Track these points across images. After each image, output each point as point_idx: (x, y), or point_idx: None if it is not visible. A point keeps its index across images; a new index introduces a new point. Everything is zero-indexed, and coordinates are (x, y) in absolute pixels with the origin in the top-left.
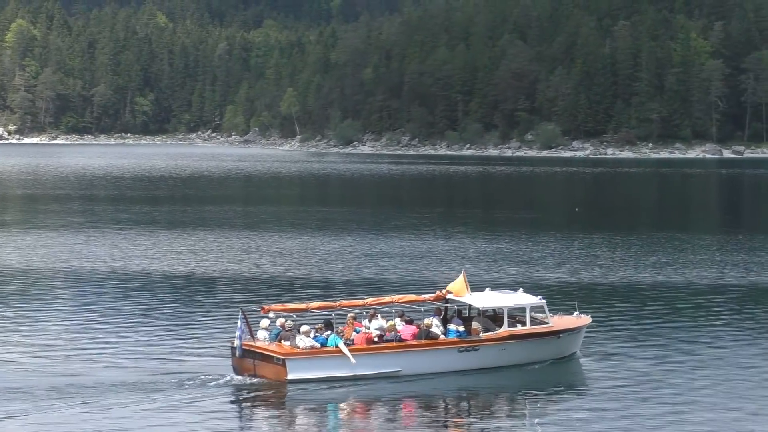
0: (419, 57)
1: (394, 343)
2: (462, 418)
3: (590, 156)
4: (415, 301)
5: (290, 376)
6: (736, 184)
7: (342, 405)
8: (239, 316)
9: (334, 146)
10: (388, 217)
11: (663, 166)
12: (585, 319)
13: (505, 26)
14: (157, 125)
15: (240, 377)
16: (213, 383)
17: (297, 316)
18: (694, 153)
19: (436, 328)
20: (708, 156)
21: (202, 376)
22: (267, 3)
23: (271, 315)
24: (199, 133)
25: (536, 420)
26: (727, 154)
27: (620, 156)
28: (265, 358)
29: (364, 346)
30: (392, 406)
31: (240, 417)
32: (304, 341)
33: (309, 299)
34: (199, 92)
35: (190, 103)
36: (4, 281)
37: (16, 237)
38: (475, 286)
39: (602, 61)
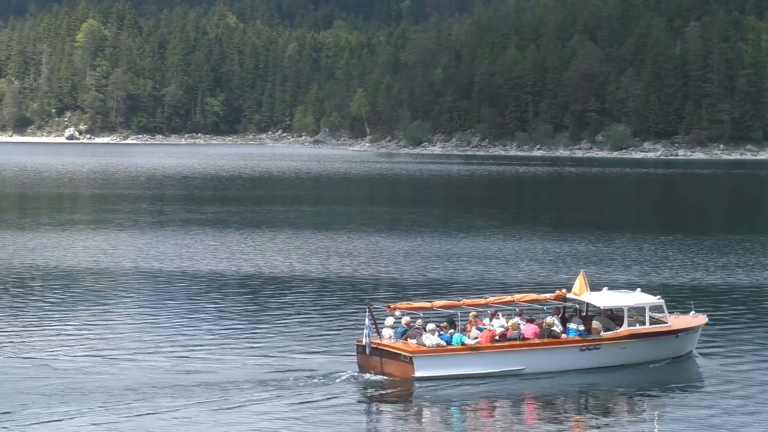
0: (489, 57)
1: (518, 342)
2: (583, 416)
3: (661, 157)
4: (535, 300)
5: (417, 374)
6: None
7: (467, 403)
8: (367, 315)
9: (404, 147)
10: (469, 218)
11: (735, 168)
12: (702, 319)
13: (575, 27)
14: (227, 125)
15: (366, 374)
16: (339, 380)
17: (422, 314)
18: (766, 154)
19: (556, 327)
20: None
21: (328, 374)
22: (337, 3)
23: (397, 313)
24: (269, 133)
25: (655, 419)
26: None
27: (691, 157)
28: (393, 355)
29: (489, 344)
30: (516, 404)
31: (368, 414)
32: (430, 339)
33: (412, 299)
34: (269, 92)
35: (260, 103)
36: (119, 281)
37: (115, 236)
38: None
39: (672, 62)
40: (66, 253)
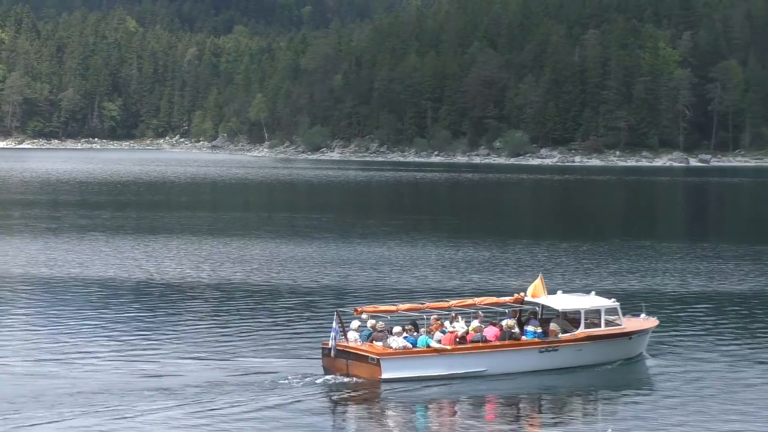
0: (389, 64)
1: (481, 344)
2: (543, 416)
3: (558, 163)
4: (495, 303)
5: (384, 376)
6: (702, 192)
7: (432, 403)
8: (334, 318)
9: (303, 152)
10: (368, 224)
11: (630, 174)
12: (653, 321)
13: (475, 34)
14: (125, 130)
15: (332, 377)
16: (305, 383)
17: (388, 317)
18: (661, 161)
19: (515, 329)
20: (675, 164)
21: (294, 376)
22: (238, 9)
23: (363, 316)
24: (167, 138)
25: (610, 419)
26: (693, 162)
27: (588, 164)
28: (360, 357)
29: (453, 346)
30: (478, 405)
31: (334, 415)
32: (397, 342)
33: (319, 304)
34: (168, 97)
35: (158, 108)
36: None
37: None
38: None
39: (571, 69)
40: None
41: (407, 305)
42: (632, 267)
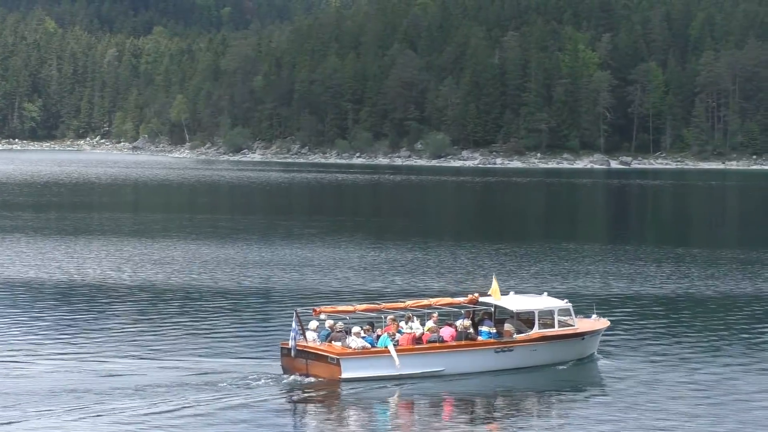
0: (309, 65)
1: (438, 344)
2: (498, 415)
3: (479, 165)
4: (450, 303)
5: (344, 375)
6: (623, 194)
7: (390, 402)
8: (293, 318)
9: (224, 154)
10: (291, 225)
11: (551, 176)
12: (604, 322)
13: (395, 35)
14: (45, 131)
15: (291, 376)
16: (263, 383)
17: (348, 318)
18: (582, 163)
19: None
20: (596, 166)
21: (252, 376)
22: (156, 10)
23: (322, 316)
24: (88, 139)
25: (565, 417)
26: (614, 164)
27: (509, 166)
28: (319, 357)
29: (411, 346)
30: (436, 404)
31: (294, 414)
32: (356, 342)
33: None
34: (88, 98)
35: (78, 109)
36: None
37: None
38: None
39: (491, 71)
40: None
41: (364, 306)
42: (553, 269)
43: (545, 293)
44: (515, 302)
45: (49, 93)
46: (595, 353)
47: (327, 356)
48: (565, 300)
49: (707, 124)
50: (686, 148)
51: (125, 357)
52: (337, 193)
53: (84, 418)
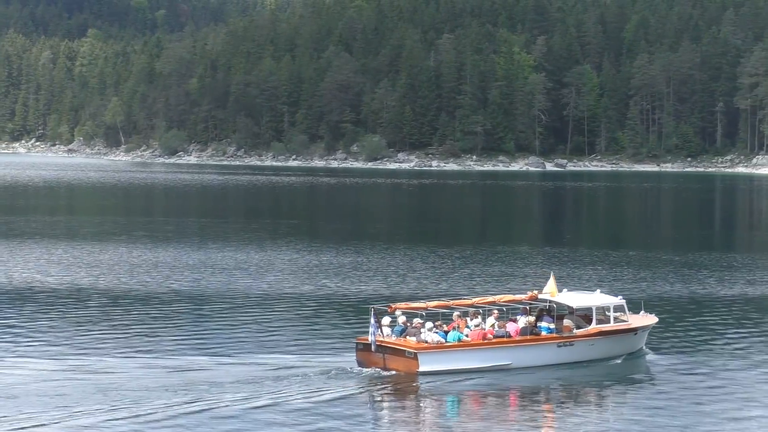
0: (245, 68)
1: (505, 339)
2: (564, 408)
3: (415, 168)
4: (513, 301)
5: (421, 369)
6: (557, 196)
7: (463, 394)
8: (371, 314)
9: (160, 156)
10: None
11: (487, 179)
12: (653, 318)
13: (330, 38)
14: None
15: (368, 370)
16: (341, 376)
17: (424, 314)
18: (518, 166)
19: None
20: (531, 169)
21: (329, 370)
22: (91, 12)
23: (397, 313)
24: (23, 142)
25: (625, 409)
26: (549, 166)
27: (445, 168)
28: (397, 352)
29: (482, 341)
30: (505, 396)
31: (373, 405)
32: (431, 336)
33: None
34: (23, 101)
35: (13, 111)
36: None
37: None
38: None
39: (427, 73)
40: None
41: (435, 302)
42: (484, 270)
43: (598, 290)
44: (574, 299)
45: None
46: (644, 347)
47: (405, 350)
48: (619, 297)
49: (642, 126)
50: (621, 151)
51: (204, 355)
52: (272, 195)
53: (181, 415)
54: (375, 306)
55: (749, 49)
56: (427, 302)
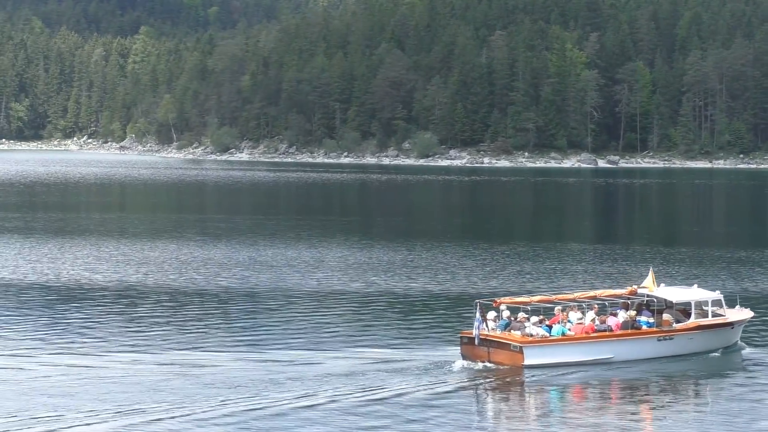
0: (297, 65)
1: (607, 333)
2: (665, 400)
3: (467, 165)
4: (614, 295)
5: (526, 362)
6: (611, 193)
7: (567, 386)
8: (477, 309)
9: (211, 153)
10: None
11: (539, 176)
12: (748, 312)
13: (382, 35)
14: (32, 131)
15: (471, 363)
16: (447, 369)
17: (529, 308)
18: (570, 162)
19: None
20: (583, 165)
21: (434, 364)
22: (144, 9)
23: (501, 307)
24: (75, 139)
25: (721, 402)
26: (602, 163)
27: (497, 165)
28: (502, 345)
29: (584, 335)
30: (607, 388)
31: (479, 397)
32: (537, 330)
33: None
34: (75, 98)
35: (66, 109)
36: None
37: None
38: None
39: (479, 70)
40: None
41: (539, 297)
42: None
43: (695, 285)
44: (673, 294)
45: (36, 93)
46: (739, 341)
47: (510, 344)
48: (717, 291)
49: (694, 123)
50: (673, 147)
51: (310, 350)
52: (324, 192)
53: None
54: (480, 300)
55: None
56: (531, 297)
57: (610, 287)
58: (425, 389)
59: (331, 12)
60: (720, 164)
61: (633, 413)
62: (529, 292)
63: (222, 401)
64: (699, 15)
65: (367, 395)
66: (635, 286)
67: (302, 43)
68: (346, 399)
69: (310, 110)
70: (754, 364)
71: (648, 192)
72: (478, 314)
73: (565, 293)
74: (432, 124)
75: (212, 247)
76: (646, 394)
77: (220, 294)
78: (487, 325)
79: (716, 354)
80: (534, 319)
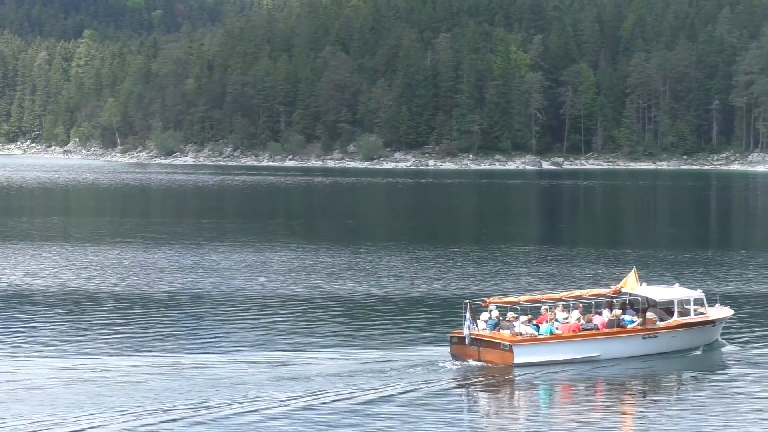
0: (241, 68)
1: (594, 332)
2: (651, 397)
3: (412, 167)
4: (598, 294)
5: (516, 361)
6: (555, 195)
7: (556, 384)
8: (467, 309)
9: (156, 157)
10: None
11: (484, 177)
12: (728, 310)
13: (327, 38)
14: None
15: (461, 363)
16: (436, 369)
17: (519, 308)
18: (515, 164)
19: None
20: (528, 167)
21: (425, 363)
22: (88, 13)
23: (491, 307)
24: (18, 143)
25: (710, 399)
26: (546, 165)
27: (442, 167)
28: (492, 344)
29: (571, 334)
30: (594, 386)
31: (469, 396)
32: (526, 329)
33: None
34: (18, 102)
35: (9, 113)
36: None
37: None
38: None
39: (423, 73)
40: None
41: (527, 297)
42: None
43: (677, 284)
44: (657, 292)
45: None
46: (719, 339)
47: (500, 343)
48: (699, 290)
49: (638, 124)
50: (617, 149)
51: (300, 351)
52: (269, 196)
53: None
54: (470, 301)
55: (744, 47)
56: (519, 297)
57: (578, 288)
58: (416, 389)
59: (275, 15)
60: (664, 165)
61: (619, 409)
62: (489, 295)
63: (202, 401)
64: (643, 17)
65: (356, 396)
66: (619, 286)
67: (246, 46)
68: (335, 400)
69: (254, 113)
70: (735, 361)
71: (592, 193)
72: (467, 314)
73: (551, 293)
74: (377, 127)
75: (175, 251)
76: (631, 391)
77: (187, 297)
78: (477, 325)
79: (698, 351)
80: (523, 318)
